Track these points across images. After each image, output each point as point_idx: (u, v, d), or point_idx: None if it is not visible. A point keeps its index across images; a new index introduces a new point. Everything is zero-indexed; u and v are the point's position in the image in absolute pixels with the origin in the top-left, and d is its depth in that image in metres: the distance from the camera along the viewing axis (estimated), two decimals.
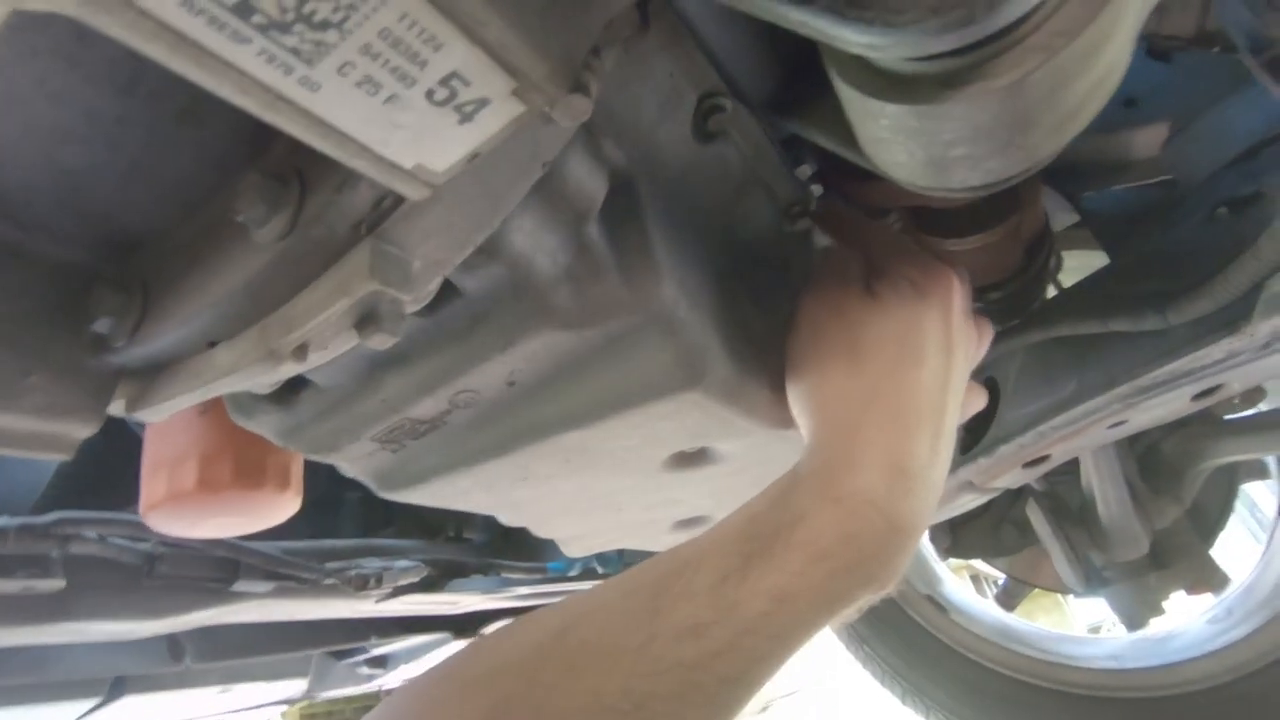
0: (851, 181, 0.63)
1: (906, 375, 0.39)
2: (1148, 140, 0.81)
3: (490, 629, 1.16)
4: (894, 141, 0.23)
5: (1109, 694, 1.19)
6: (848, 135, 0.29)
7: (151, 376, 0.35)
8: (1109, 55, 0.21)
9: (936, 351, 0.41)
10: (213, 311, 0.30)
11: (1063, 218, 0.99)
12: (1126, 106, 0.81)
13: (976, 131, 0.21)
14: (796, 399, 0.43)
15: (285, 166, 0.28)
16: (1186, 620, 1.19)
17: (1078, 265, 0.98)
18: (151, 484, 0.56)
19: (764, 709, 4.22)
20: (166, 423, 0.56)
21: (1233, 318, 0.58)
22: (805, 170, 0.59)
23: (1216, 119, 0.67)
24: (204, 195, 0.29)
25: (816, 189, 0.62)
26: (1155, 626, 1.17)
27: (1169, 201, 0.74)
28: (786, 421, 0.50)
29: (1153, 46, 0.80)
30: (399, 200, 0.28)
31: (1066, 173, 0.86)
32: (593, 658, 0.34)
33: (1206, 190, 0.66)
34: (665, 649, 0.33)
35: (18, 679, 0.74)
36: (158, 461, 0.56)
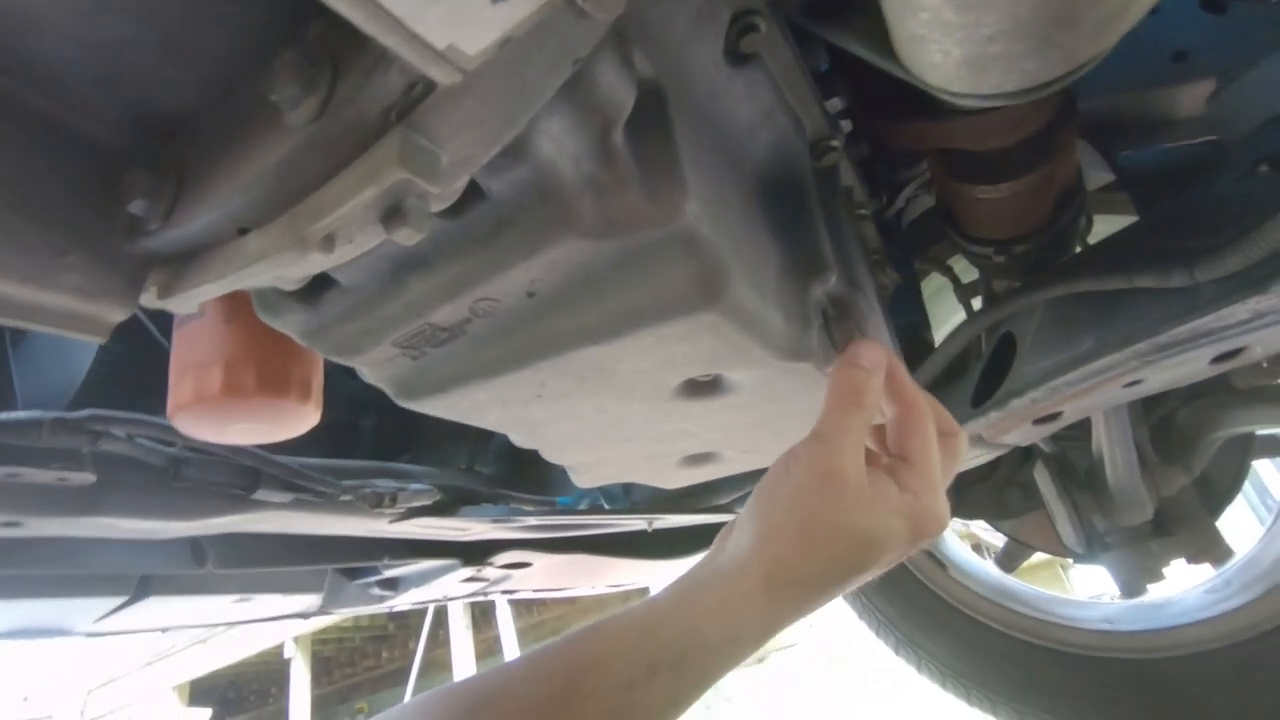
0: (882, 120, 0.62)
1: (836, 585, 0.45)
2: (1193, 97, 0.78)
3: (500, 556, 1.20)
4: (930, 38, 0.23)
5: (1101, 654, 1.21)
6: (883, 41, 0.28)
7: (183, 264, 0.35)
8: None
9: (881, 566, 0.46)
10: (244, 195, 0.31)
11: (1097, 177, 0.96)
12: (1175, 60, 0.78)
13: (1016, 25, 0.21)
14: (748, 521, 0.47)
15: (319, 49, 0.28)
16: (1183, 588, 1.20)
17: (1107, 230, 0.96)
18: (179, 386, 0.57)
19: (760, 660, 4.34)
20: (193, 329, 0.57)
21: (1262, 277, 0.57)
22: (835, 104, 0.58)
23: (1266, 73, 0.64)
24: (239, 77, 0.30)
25: (846, 125, 0.61)
26: (1151, 593, 1.19)
27: (1209, 161, 0.72)
28: (799, 354, 0.51)
29: None
30: (430, 88, 0.28)
31: (1105, 129, 0.84)
32: None
33: (1248, 145, 0.64)
34: None
35: (55, 569, 0.78)
36: (185, 365, 0.58)
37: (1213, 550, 1.12)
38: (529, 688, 0.42)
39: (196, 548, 0.89)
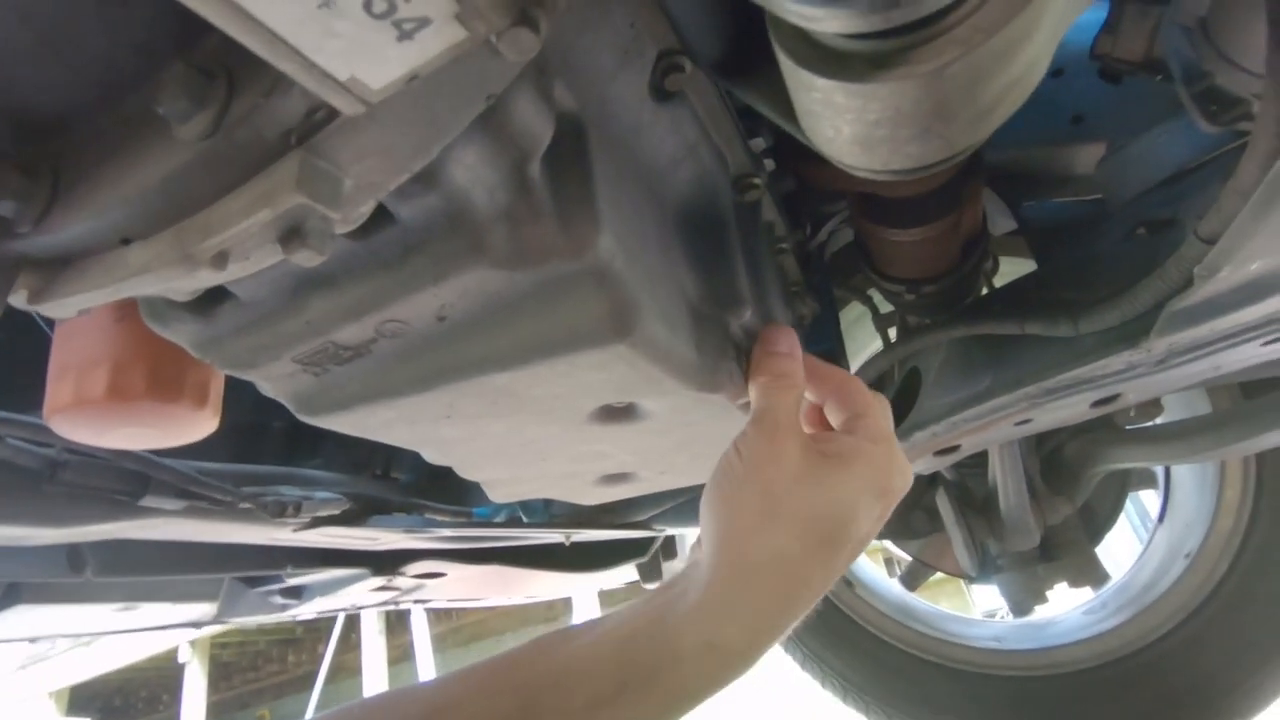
0: (804, 161, 0.64)
1: (819, 561, 0.42)
2: (1087, 158, 0.85)
3: (413, 566, 1.16)
4: (823, 115, 0.24)
5: (990, 671, 1.28)
6: (788, 107, 0.29)
7: (59, 269, 0.33)
8: (1026, 56, 0.22)
9: (860, 528, 0.43)
10: (126, 207, 0.29)
11: (1004, 224, 1.03)
12: (1074, 123, 0.85)
13: (898, 114, 0.22)
14: (708, 514, 0.44)
15: (215, 62, 0.27)
16: (1065, 610, 1.29)
17: (1016, 271, 1.02)
18: (58, 387, 0.53)
19: None
20: (79, 325, 0.53)
21: (1134, 333, 0.62)
22: (759, 144, 0.59)
23: (1149, 143, 0.70)
24: (126, 83, 0.28)
25: (770, 163, 0.62)
26: (1038, 613, 1.27)
27: (1097, 217, 0.78)
28: (712, 386, 0.52)
29: (1105, 68, 0.83)
30: (333, 114, 0.27)
31: (1012, 181, 0.89)
32: None
33: (1131, 210, 0.70)
34: None
35: None
36: (66, 364, 0.54)
37: (1092, 575, 1.21)
38: (484, 703, 0.39)
39: (74, 554, 0.83)
